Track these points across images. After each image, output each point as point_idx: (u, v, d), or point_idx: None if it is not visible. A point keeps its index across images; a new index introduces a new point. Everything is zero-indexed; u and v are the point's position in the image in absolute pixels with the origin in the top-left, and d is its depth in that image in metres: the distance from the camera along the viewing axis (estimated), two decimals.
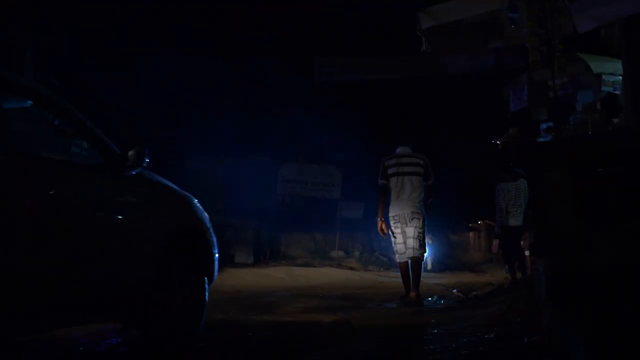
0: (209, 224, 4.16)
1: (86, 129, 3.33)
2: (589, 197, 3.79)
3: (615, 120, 4.88)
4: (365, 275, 10.58)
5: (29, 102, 3.15)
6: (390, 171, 6.13)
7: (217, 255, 4.16)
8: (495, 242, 7.91)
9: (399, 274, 6.37)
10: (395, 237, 6.09)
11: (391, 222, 6.14)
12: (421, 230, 6.04)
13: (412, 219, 5.99)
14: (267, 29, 13.30)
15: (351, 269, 11.65)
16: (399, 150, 6.27)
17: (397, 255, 6.17)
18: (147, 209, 3.62)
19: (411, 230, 5.99)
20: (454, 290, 7.24)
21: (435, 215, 6.33)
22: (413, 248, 5.99)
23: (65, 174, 3.13)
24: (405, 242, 6.01)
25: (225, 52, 13.14)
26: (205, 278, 4.00)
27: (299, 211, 14.44)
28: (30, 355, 3.61)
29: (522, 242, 7.87)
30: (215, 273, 4.17)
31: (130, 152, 3.30)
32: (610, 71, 7.38)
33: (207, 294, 4.01)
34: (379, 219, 6.19)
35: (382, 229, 6.20)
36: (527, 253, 7.73)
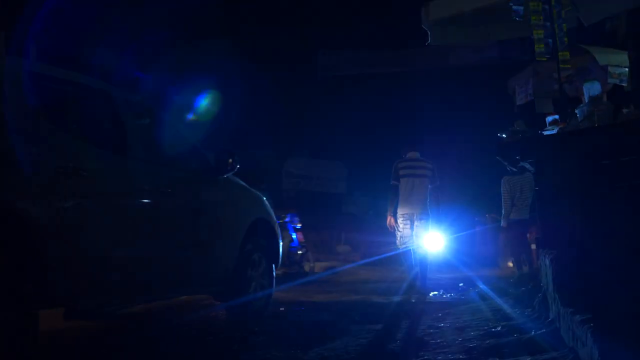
0: (275, 218, 4.94)
1: (191, 141, 4.17)
2: (594, 190, 3.79)
3: (625, 111, 4.84)
4: (370, 269, 10.58)
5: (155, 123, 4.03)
6: (402, 172, 6.65)
7: (281, 242, 4.92)
8: (502, 236, 7.89)
9: (404, 269, 6.60)
10: (402, 230, 6.56)
11: (400, 219, 6.61)
12: (427, 231, 6.60)
13: (420, 219, 6.54)
14: (270, 23, 13.27)
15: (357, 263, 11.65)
16: (409, 154, 6.80)
17: (403, 246, 6.58)
18: (239, 205, 4.49)
19: (418, 229, 6.51)
20: (461, 284, 7.24)
21: (442, 210, 6.72)
22: (419, 243, 6.53)
23: (197, 181, 4.03)
24: (412, 235, 6.52)
25: (226, 49, 13.13)
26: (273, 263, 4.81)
27: (304, 206, 14.43)
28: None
29: (528, 236, 7.85)
30: (280, 259, 4.94)
31: (229, 159, 4.10)
32: (616, 63, 7.34)
33: (274, 275, 4.81)
34: (388, 215, 6.70)
35: (390, 224, 6.70)
36: (533, 246, 7.70)
